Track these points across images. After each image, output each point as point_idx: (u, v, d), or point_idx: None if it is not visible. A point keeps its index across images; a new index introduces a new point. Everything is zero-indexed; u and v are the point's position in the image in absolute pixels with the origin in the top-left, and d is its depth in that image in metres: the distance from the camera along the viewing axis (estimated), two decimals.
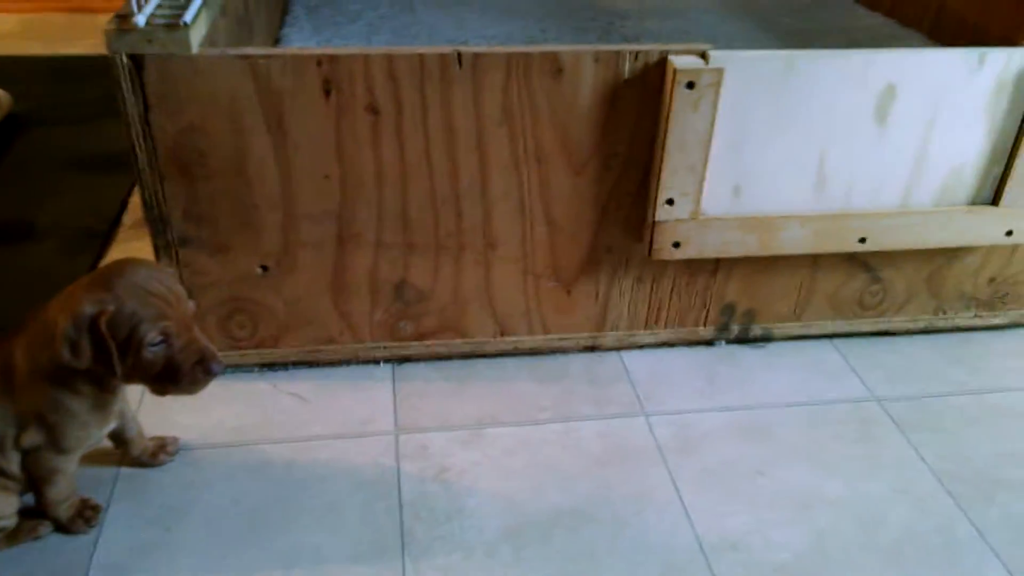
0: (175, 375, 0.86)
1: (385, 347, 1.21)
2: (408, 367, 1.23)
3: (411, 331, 1.21)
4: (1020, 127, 1.14)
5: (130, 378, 0.86)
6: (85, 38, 2.41)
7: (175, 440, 1.08)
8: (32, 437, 0.88)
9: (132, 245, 1.48)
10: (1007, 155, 1.16)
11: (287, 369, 1.21)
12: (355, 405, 1.16)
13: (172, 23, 0.99)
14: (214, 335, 1.17)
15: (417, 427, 1.13)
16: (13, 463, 0.89)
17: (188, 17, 1.00)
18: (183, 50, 0.98)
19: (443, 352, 1.23)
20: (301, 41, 1.98)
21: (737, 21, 2.32)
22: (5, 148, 1.78)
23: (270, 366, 1.21)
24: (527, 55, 1.03)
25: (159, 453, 1.06)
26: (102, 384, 0.89)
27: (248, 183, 1.06)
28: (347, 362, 1.22)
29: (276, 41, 1.96)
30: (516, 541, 0.98)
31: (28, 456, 0.90)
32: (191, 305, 0.88)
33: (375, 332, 1.20)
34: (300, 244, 1.11)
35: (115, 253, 1.46)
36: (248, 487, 1.03)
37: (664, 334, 1.27)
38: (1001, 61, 1.10)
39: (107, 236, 1.50)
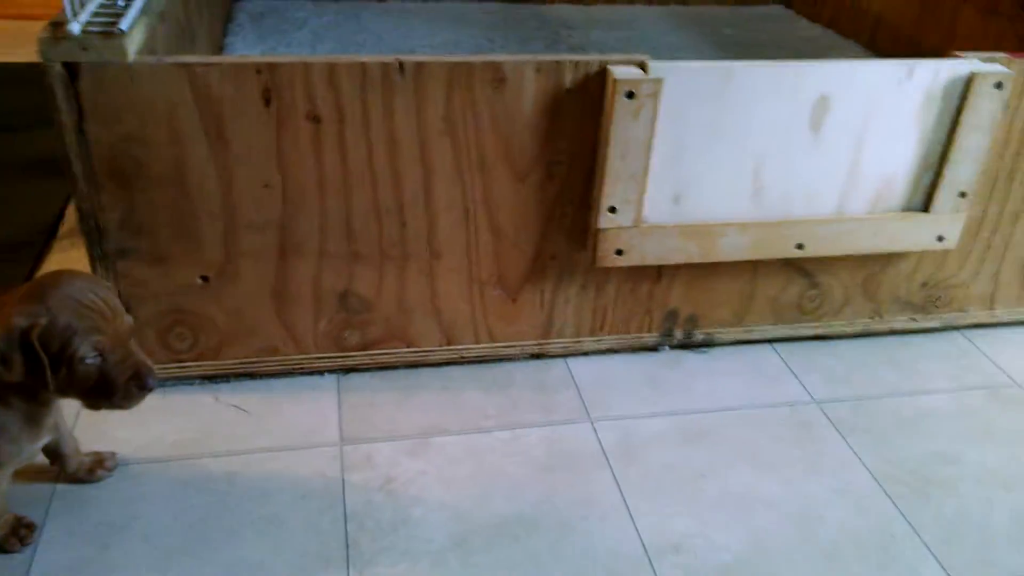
0: (109, 390, 0.84)
1: (330, 357, 1.21)
2: (353, 377, 1.22)
3: (356, 341, 1.20)
4: (949, 136, 1.18)
5: (63, 392, 0.84)
6: (24, 46, 2.36)
7: (113, 455, 1.06)
8: None
9: (69, 255, 1.44)
10: (937, 163, 1.20)
11: (229, 381, 1.19)
12: (299, 416, 1.15)
13: (108, 31, 0.97)
14: (154, 347, 1.15)
15: (362, 437, 1.12)
16: None
17: (124, 25, 0.99)
18: (119, 58, 0.97)
19: (389, 362, 1.23)
20: (245, 49, 1.96)
21: (682, 32, 2.36)
22: None
23: (212, 378, 1.19)
24: (469, 64, 1.04)
25: (96, 469, 1.04)
26: (34, 397, 0.87)
27: (187, 193, 1.05)
28: (291, 373, 1.21)
29: (220, 49, 1.94)
30: (462, 550, 0.98)
31: None
32: (128, 319, 0.87)
33: (319, 342, 1.19)
34: (241, 254, 1.10)
35: (51, 264, 1.43)
36: (189, 502, 1.02)
37: (609, 340, 1.29)
38: (929, 73, 1.14)
39: (43, 246, 1.47)
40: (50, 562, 0.94)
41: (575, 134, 1.10)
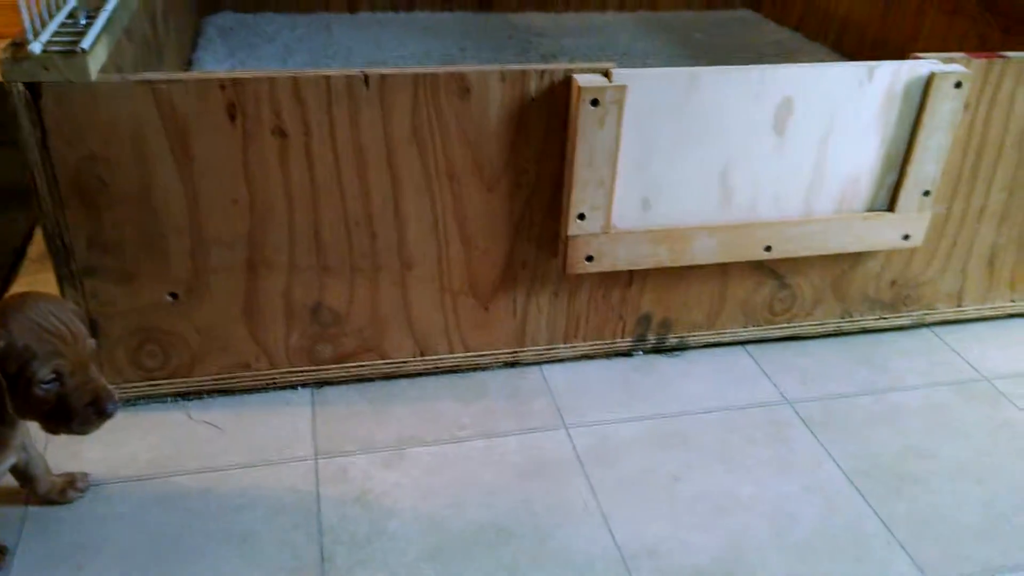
0: (67, 415, 0.83)
1: (303, 371, 1.20)
2: (327, 391, 1.22)
3: (329, 354, 1.20)
4: (911, 136, 1.20)
5: (22, 415, 0.84)
6: None
7: (85, 476, 1.05)
8: None
9: (39, 277, 1.43)
10: (900, 163, 1.22)
11: (202, 398, 1.19)
12: (273, 431, 1.14)
13: (69, 50, 0.97)
14: (124, 366, 1.14)
15: (337, 451, 1.12)
16: None
17: (86, 43, 0.99)
18: (81, 77, 0.97)
19: (362, 374, 1.23)
20: (214, 64, 1.96)
21: (652, 38, 2.38)
22: None
23: (184, 395, 1.19)
24: (434, 75, 1.04)
25: (68, 490, 1.03)
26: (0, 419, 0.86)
27: (154, 210, 1.05)
28: (264, 388, 1.20)
29: (189, 64, 1.94)
30: (439, 560, 0.98)
31: None
32: (90, 343, 0.86)
33: (292, 357, 1.19)
34: (211, 270, 1.10)
35: (19, 286, 1.42)
36: (163, 520, 1.01)
37: (583, 347, 1.29)
38: (890, 74, 1.16)
39: (11, 268, 1.46)
40: None
41: (542, 142, 1.11)
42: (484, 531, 1.02)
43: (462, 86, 1.05)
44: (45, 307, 0.83)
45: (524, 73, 1.07)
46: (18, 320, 0.81)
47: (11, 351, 0.80)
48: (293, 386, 1.21)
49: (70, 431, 0.85)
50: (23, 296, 0.85)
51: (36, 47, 0.96)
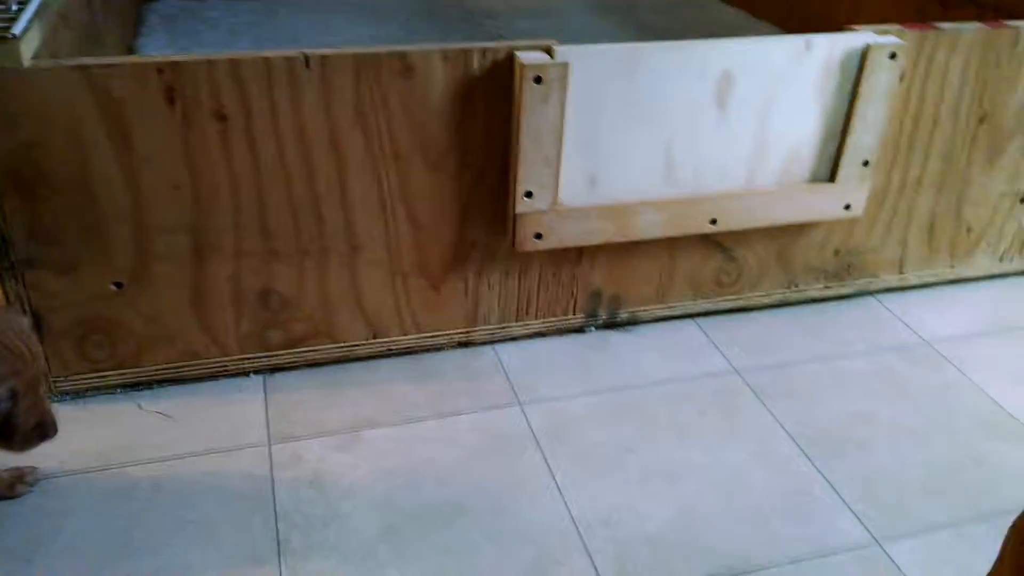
0: (10, 434, 0.83)
1: (254, 358, 1.20)
2: (279, 376, 1.21)
3: (280, 340, 1.19)
4: (849, 107, 1.22)
5: None
6: None
7: (33, 470, 1.03)
8: None
9: None
10: (839, 134, 1.24)
11: (152, 388, 1.18)
12: (225, 419, 1.14)
13: (0, 36, 0.95)
14: (70, 358, 1.12)
15: (290, 436, 1.12)
16: None
17: (18, 29, 0.97)
18: (13, 63, 0.95)
19: (315, 359, 1.22)
20: (156, 51, 1.92)
21: (604, 19, 2.39)
22: None
23: (133, 386, 1.17)
24: (375, 55, 1.04)
25: (16, 484, 1.01)
26: None
27: (94, 198, 1.03)
28: (215, 376, 1.19)
29: (130, 52, 1.90)
30: (394, 539, 0.98)
31: None
32: (42, 364, 0.85)
33: (242, 343, 1.18)
34: (155, 258, 1.09)
35: None
36: (114, 511, 1.00)
37: (535, 325, 1.30)
38: (827, 46, 1.18)
39: None
40: None
41: (487, 121, 1.11)
42: (439, 509, 1.02)
43: (405, 65, 1.05)
44: (3, 323, 0.82)
45: (466, 52, 1.07)
46: None
47: None
48: (244, 373, 1.20)
49: (8, 448, 0.84)
50: None
51: None
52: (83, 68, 0.97)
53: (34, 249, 1.05)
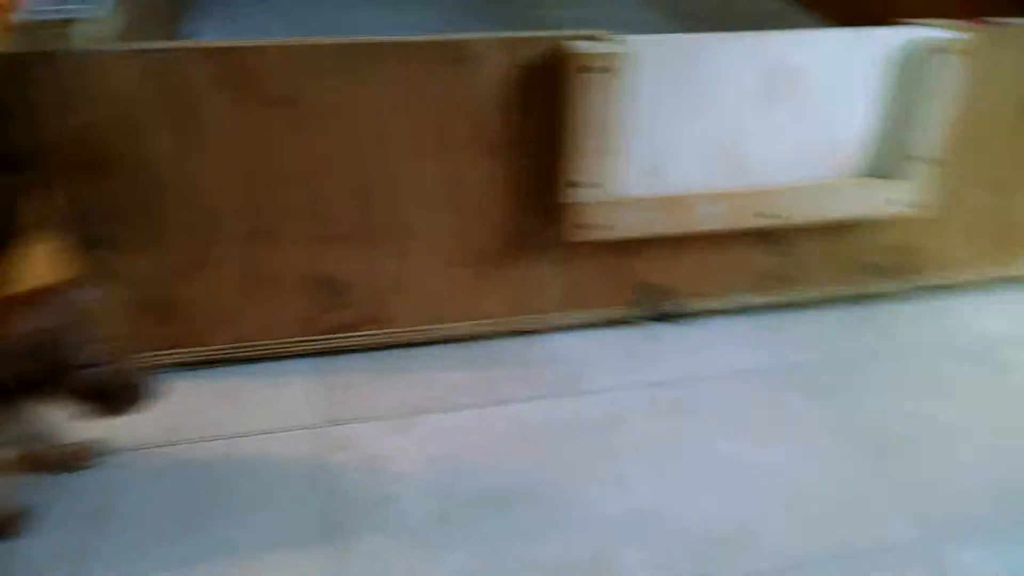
0: (101, 398, 0.86)
1: (307, 341, 1.21)
2: (332, 360, 1.22)
3: (333, 324, 1.21)
4: (909, 103, 1.20)
5: (58, 397, 0.86)
6: None
7: (95, 444, 1.06)
8: None
9: (32, 247, 1.43)
10: (898, 130, 1.22)
11: (211, 367, 1.19)
12: (280, 400, 1.15)
13: (68, 19, 0.97)
14: (132, 336, 1.15)
15: (343, 419, 1.13)
16: None
17: (85, 13, 0.99)
18: (82, 46, 0.97)
19: (370, 343, 1.23)
20: (205, 32, 1.95)
21: (646, 9, 2.38)
22: None
23: (193, 365, 1.19)
24: (430, 44, 1.04)
25: (78, 458, 1.04)
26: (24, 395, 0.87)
27: (157, 180, 1.05)
28: (269, 358, 1.21)
29: (178, 33, 1.93)
30: (446, 524, 0.99)
31: None
32: (126, 332, 0.88)
33: (296, 327, 1.20)
34: (215, 240, 1.11)
35: (13, 256, 1.41)
36: (175, 486, 1.03)
37: (587, 315, 1.30)
38: (888, 40, 1.16)
39: (4, 238, 1.44)
40: (37, 551, 0.94)
41: (540, 110, 1.11)
42: (489, 496, 1.03)
43: (459, 55, 1.05)
44: (88, 294, 0.86)
45: (520, 41, 1.07)
46: (62, 305, 0.84)
47: (56, 335, 0.82)
48: (298, 355, 1.22)
49: (102, 415, 0.87)
50: (64, 282, 0.88)
51: (33, 17, 0.97)
52: (147, 52, 0.99)
53: (98, 228, 1.07)
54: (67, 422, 1.07)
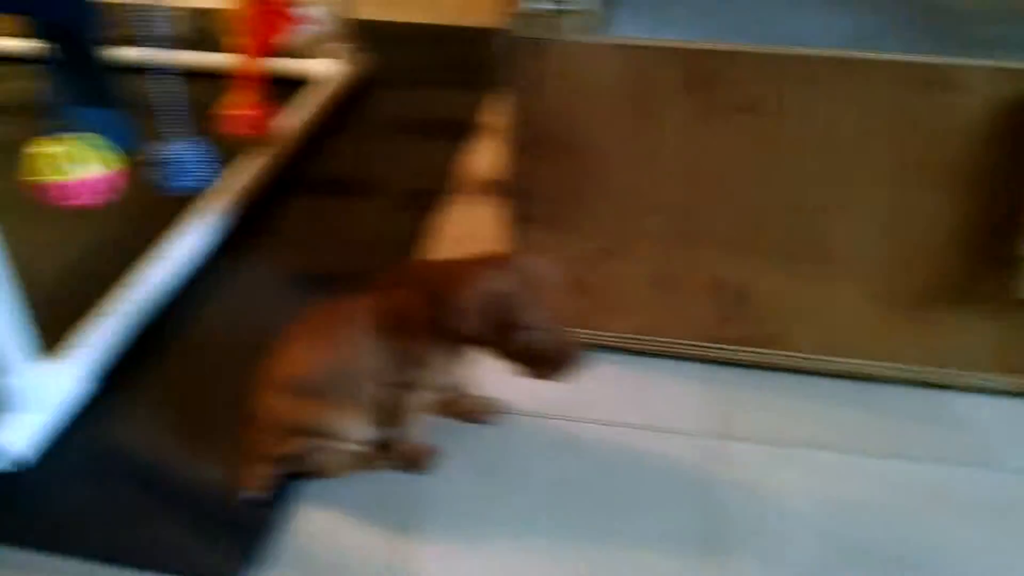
0: (541, 361, 0.92)
1: (706, 347, 1.19)
2: (729, 370, 1.20)
3: (734, 335, 1.18)
4: None
5: (500, 354, 0.93)
6: (436, 7, 2.48)
7: (500, 403, 1.14)
8: (402, 374, 0.97)
9: (461, 209, 1.54)
10: None
11: (610, 352, 1.22)
12: (669, 401, 1.16)
13: (557, 9, 1.03)
14: (568, 310, 1.20)
15: (734, 435, 1.11)
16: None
17: (571, 5, 1.04)
18: (555, 35, 1.02)
19: (766, 362, 1.19)
20: (626, 27, 1.98)
21: None
22: (355, 109, 1.94)
23: (591, 347, 1.23)
24: (910, 65, 0.96)
25: (484, 413, 1.13)
26: (465, 347, 0.96)
27: (604, 169, 1.09)
28: (665, 355, 1.21)
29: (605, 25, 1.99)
30: (828, 572, 0.93)
31: (386, 391, 0.99)
32: (568, 306, 0.94)
33: (697, 330, 1.18)
34: (639, 233, 1.12)
35: (439, 216, 1.53)
36: (562, 462, 1.07)
37: (1016, 381, 1.14)
38: None
39: (433, 199, 1.59)
40: (441, 489, 1.04)
41: (1015, 152, 0.98)
42: (880, 556, 0.95)
43: (944, 80, 0.96)
44: (542, 266, 0.94)
45: (1017, 73, 0.95)
46: (520, 272, 0.92)
47: (511, 298, 0.90)
48: (693, 359, 1.21)
49: (540, 376, 0.93)
50: (523, 254, 0.98)
51: (531, 5, 1.03)
52: (620, 47, 1.02)
53: (534, 206, 1.13)
54: (485, 378, 1.16)
